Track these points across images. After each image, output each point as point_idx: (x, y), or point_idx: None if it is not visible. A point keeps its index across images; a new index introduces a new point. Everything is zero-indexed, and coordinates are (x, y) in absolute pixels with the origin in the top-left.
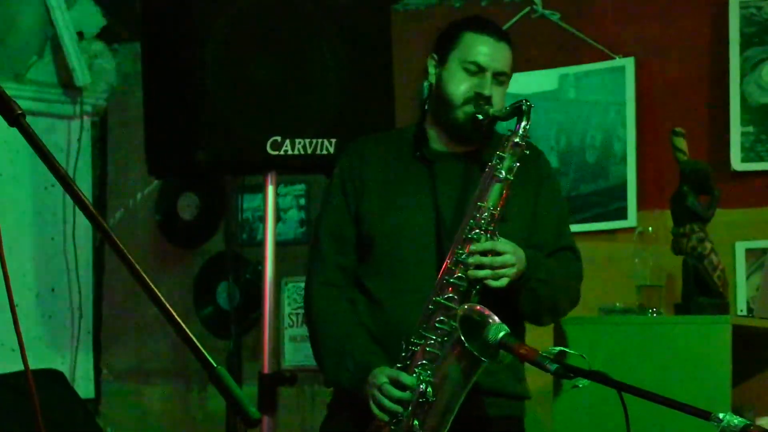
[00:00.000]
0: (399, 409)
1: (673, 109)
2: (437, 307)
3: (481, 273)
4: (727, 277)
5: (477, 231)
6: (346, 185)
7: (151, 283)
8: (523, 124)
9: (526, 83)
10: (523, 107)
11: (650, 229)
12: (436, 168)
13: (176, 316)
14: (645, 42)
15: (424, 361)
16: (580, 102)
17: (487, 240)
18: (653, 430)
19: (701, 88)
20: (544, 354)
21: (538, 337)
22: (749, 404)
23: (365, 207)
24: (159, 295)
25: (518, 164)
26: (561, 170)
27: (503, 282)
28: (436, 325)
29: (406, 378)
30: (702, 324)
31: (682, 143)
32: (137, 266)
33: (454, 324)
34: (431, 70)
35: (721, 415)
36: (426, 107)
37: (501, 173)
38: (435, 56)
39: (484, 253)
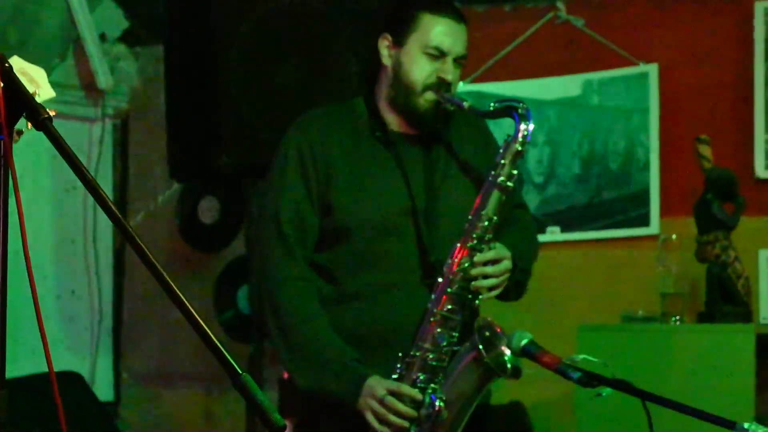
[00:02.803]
0: (405, 423)
1: (696, 115)
2: (437, 319)
3: (487, 283)
4: (750, 285)
5: (476, 240)
6: (307, 168)
7: (175, 288)
8: (522, 128)
9: (550, 89)
10: (520, 110)
11: (674, 236)
12: (399, 150)
13: (201, 321)
14: (669, 48)
15: (422, 374)
16: (604, 108)
17: (487, 249)
18: None
19: (725, 94)
20: (567, 362)
21: (560, 345)
22: None
23: (337, 196)
24: (184, 299)
25: (516, 171)
26: (583, 176)
27: (500, 290)
28: (436, 337)
29: (409, 390)
30: (726, 332)
31: (706, 150)
32: (161, 269)
33: (454, 335)
34: (384, 51)
35: (746, 425)
36: (370, 82)
37: (500, 180)
38: (389, 37)
39: (486, 263)
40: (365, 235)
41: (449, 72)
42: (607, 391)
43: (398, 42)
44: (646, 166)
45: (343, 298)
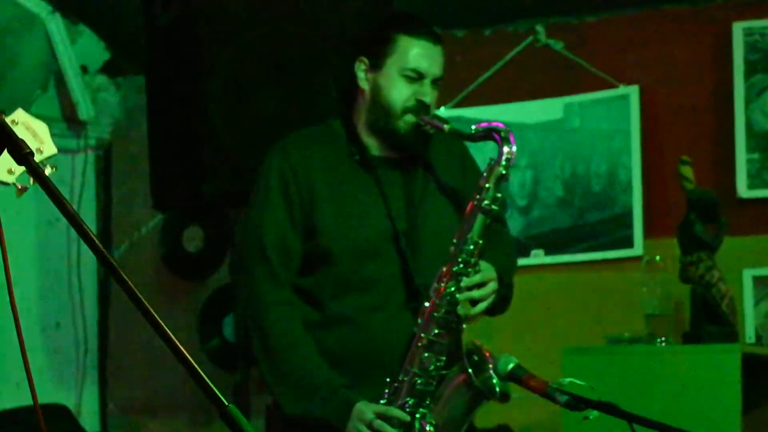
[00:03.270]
0: None
1: (678, 136)
2: (424, 344)
3: (474, 310)
4: (735, 305)
5: (461, 264)
6: (289, 190)
7: (158, 317)
8: (506, 151)
9: (531, 112)
10: (503, 134)
11: (657, 257)
12: (378, 174)
13: (184, 352)
14: (649, 70)
15: (410, 398)
16: (585, 130)
17: (473, 273)
18: None
19: (706, 115)
20: (554, 386)
21: (545, 368)
22: None
23: (320, 220)
24: (167, 330)
25: (500, 195)
26: (566, 199)
27: (483, 307)
28: (423, 361)
29: (398, 413)
30: (711, 353)
31: (688, 171)
32: (143, 300)
33: (442, 359)
34: (361, 75)
35: None
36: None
37: (485, 204)
38: (366, 60)
39: (471, 288)
40: (348, 259)
41: (428, 94)
42: (594, 414)
43: (375, 65)
44: (628, 188)
45: (327, 322)
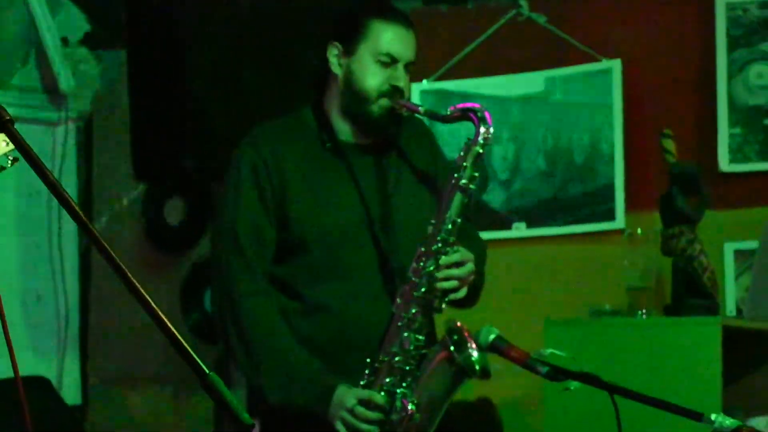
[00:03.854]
0: (376, 430)
1: (660, 110)
2: (404, 323)
3: (449, 284)
4: (716, 278)
5: (440, 243)
6: (261, 181)
7: (141, 289)
8: (482, 131)
9: (513, 86)
10: (479, 113)
11: (639, 230)
12: (350, 160)
13: (167, 322)
14: (632, 44)
15: (390, 378)
16: (568, 104)
17: (452, 252)
18: None
19: (688, 89)
20: (535, 356)
21: (527, 340)
22: (739, 405)
23: (293, 208)
24: (150, 300)
25: (477, 174)
26: (548, 172)
27: (464, 292)
28: (403, 341)
29: (380, 399)
30: (692, 325)
31: (670, 145)
32: (127, 271)
33: (421, 338)
34: (333, 60)
35: (713, 416)
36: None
37: (463, 182)
38: (339, 46)
39: (450, 266)
40: (322, 246)
41: (402, 78)
42: (575, 384)
43: (348, 51)
44: (610, 161)
45: (304, 311)
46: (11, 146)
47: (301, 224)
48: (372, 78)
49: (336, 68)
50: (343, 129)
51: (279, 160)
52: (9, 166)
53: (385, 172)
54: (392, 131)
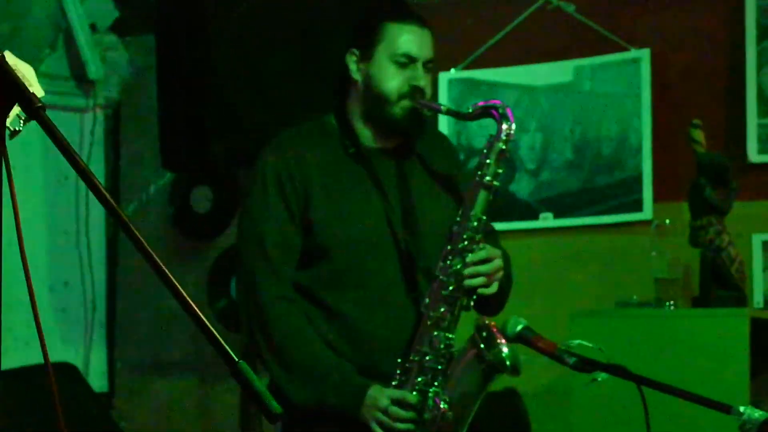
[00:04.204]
0: (411, 427)
1: (689, 100)
2: (433, 322)
3: (476, 281)
4: (744, 270)
5: (466, 241)
6: (285, 188)
7: (171, 276)
8: (505, 127)
9: (542, 75)
10: (500, 110)
11: (667, 221)
12: (374, 165)
13: (197, 310)
14: (661, 33)
15: (421, 378)
16: (596, 94)
17: (478, 249)
18: (672, 424)
19: (717, 79)
20: (562, 347)
21: (554, 331)
22: (767, 397)
23: (316, 215)
24: (179, 288)
25: (501, 170)
26: (576, 162)
27: (495, 287)
28: (432, 340)
29: (411, 397)
30: (720, 317)
31: (699, 135)
32: (156, 258)
33: (451, 336)
34: (353, 66)
35: (741, 409)
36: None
37: (487, 179)
38: (356, 52)
39: (477, 263)
40: (346, 253)
41: (421, 78)
42: (602, 375)
43: (366, 56)
44: (639, 152)
45: (328, 318)
46: (38, 94)
47: (325, 231)
48: (391, 80)
49: (356, 74)
50: (366, 134)
51: (303, 166)
52: (22, 127)
53: (408, 176)
54: (416, 132)
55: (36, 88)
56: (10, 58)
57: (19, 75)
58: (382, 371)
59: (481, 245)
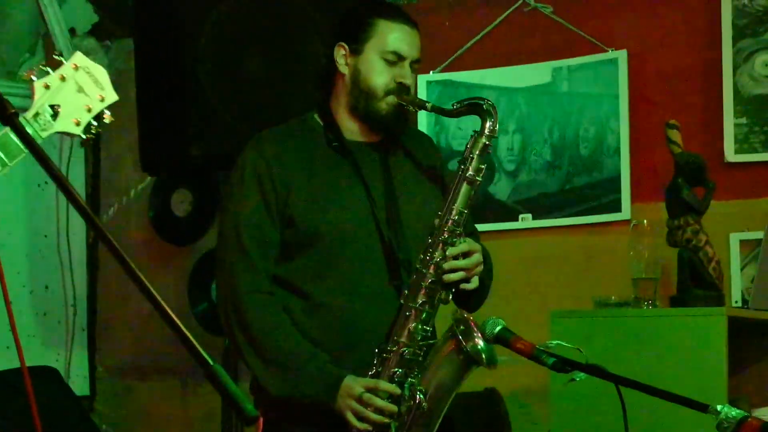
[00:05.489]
0: (385, 420)
1: (666, 101)
2: (412, 313)
3: (455, 276)
4: (721, 269)
5: (448, 234)
6: (264, 184)
7: (145, 281)
8: (488, 124)
9: (519, 76)
10: (485, 106)
11: (645, 221)
12: (357, 158)
13: (171, 314)
14: (637, 34)
15: (398, 368)
16: (573, 95)
17: (460, 242)
18: (650, 423)
19: (694, 80)
20: (541, 348)
21: (533, 331)
22: (745, 395)
23: (297, 208)
24: (154, 292)
25: (483, 166)
26: (554, 163)
27: (475, 282)
28: (411, 331)
29: (387, 386)
30: (697, 316)
31: (676, 135)
32: (131, 264)
33: (428, 328)
34: (341, 60)
35: (718, 407)
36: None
37: (470, 174)
38: (345, 46)
39: (457, 257)
40: (328, 244)
41: (408, 76)
42: (580, 376)
43: (355, 50)
44: (616, 152)
45: (310, 308)
46: (111, 98)
47: (306, 222)
48: (379, 76)
49: (343, 68)
50: (350, 128)
51: (283, 161)
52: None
53: (391, 169)
54: (399, 128)
55: (108, 91)
56: (83, 60)
57: (93, 79)
58: (364, 361)
59: (462, 238)
